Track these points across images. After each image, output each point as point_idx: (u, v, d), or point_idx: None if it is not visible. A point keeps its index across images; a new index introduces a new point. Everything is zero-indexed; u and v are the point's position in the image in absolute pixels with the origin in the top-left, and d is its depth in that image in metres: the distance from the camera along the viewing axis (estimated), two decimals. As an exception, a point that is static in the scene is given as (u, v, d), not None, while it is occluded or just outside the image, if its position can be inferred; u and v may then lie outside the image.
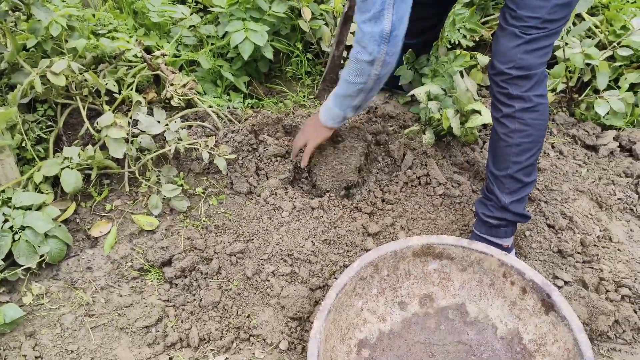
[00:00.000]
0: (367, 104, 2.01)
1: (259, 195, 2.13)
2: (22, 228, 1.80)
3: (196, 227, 2.02)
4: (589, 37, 2.81)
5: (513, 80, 1.68)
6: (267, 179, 2.18)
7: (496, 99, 1.76)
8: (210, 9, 2.56)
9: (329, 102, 1.98)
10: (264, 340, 1.71)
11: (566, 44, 2.52)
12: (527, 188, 1.82)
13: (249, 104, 2.55)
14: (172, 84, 2.13)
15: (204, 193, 2.11)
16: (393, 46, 1.68)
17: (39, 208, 1.90)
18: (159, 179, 2.07)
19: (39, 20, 1.95)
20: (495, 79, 1.74)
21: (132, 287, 1.85)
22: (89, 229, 1.99)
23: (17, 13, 2.00)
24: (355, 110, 1.96)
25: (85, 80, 2.02)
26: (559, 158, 2.43)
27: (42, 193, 1.97)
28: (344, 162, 2.18)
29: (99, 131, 1.99)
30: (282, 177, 2.16)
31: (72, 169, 1.96)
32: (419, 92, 2.43)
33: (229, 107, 2.43)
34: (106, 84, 2.09)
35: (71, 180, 1.94)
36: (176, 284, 1.86)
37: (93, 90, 2.11)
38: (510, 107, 1.72)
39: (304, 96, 2.74)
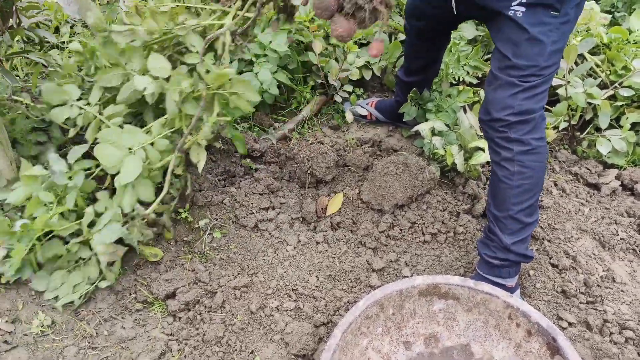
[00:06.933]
0: None
1: (265, 229, 2.13)
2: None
3: (200, 259, 2.02)
4: (591, 76, 2.85)
5: (511, 125, 1.69)
6: (277, 214, 2.20)
7: (494, 143, 1.77)
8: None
9: None
10: (268, 377, 1.70)
11: (568, 82, 2.56)
12: (529, 228, 1.82)
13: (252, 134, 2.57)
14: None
15: (207, 226, 2.11)
16: None
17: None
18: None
19: None
20: (491, 125, 1.74)
21: (136, 319, 1.83)
22: (93, 259, 1.99)
23: None
24: None
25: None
26: (561, 196, 2.45)
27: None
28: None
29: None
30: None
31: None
32: (424, 128, 2.46)
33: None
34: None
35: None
36: (180, 317, 1.85)
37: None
38: (509, 150, 1.72)
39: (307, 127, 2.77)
